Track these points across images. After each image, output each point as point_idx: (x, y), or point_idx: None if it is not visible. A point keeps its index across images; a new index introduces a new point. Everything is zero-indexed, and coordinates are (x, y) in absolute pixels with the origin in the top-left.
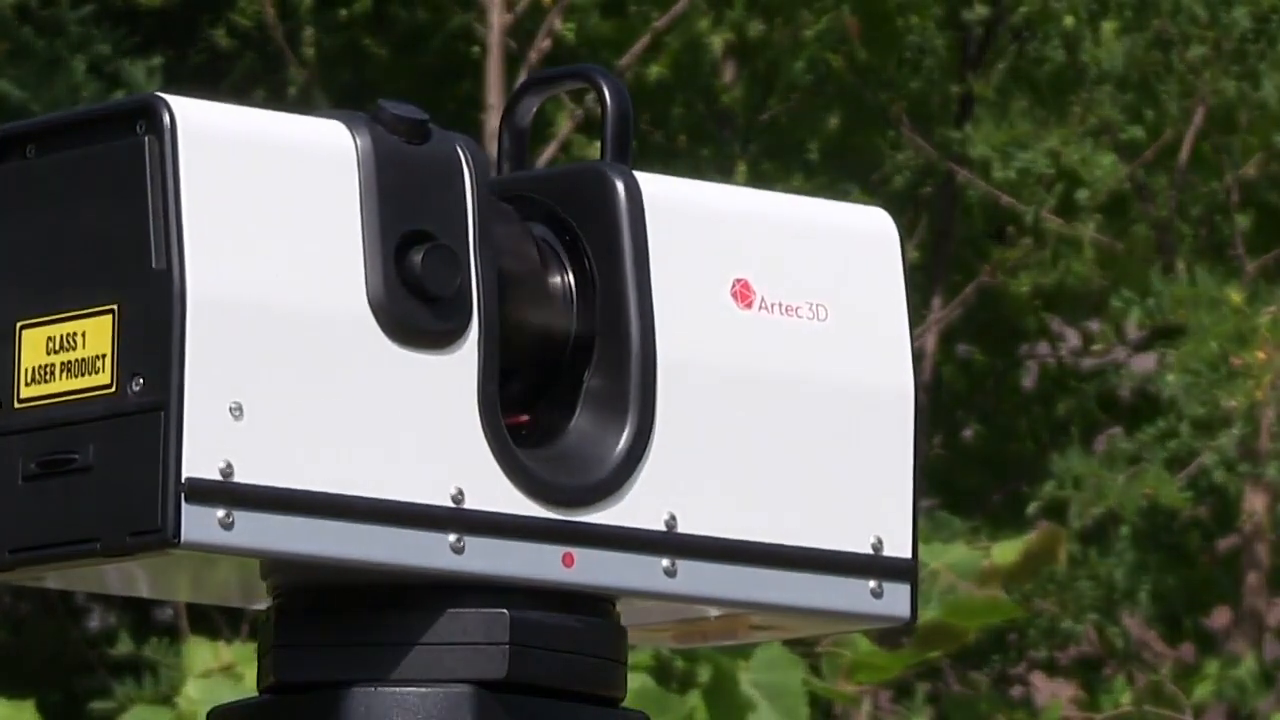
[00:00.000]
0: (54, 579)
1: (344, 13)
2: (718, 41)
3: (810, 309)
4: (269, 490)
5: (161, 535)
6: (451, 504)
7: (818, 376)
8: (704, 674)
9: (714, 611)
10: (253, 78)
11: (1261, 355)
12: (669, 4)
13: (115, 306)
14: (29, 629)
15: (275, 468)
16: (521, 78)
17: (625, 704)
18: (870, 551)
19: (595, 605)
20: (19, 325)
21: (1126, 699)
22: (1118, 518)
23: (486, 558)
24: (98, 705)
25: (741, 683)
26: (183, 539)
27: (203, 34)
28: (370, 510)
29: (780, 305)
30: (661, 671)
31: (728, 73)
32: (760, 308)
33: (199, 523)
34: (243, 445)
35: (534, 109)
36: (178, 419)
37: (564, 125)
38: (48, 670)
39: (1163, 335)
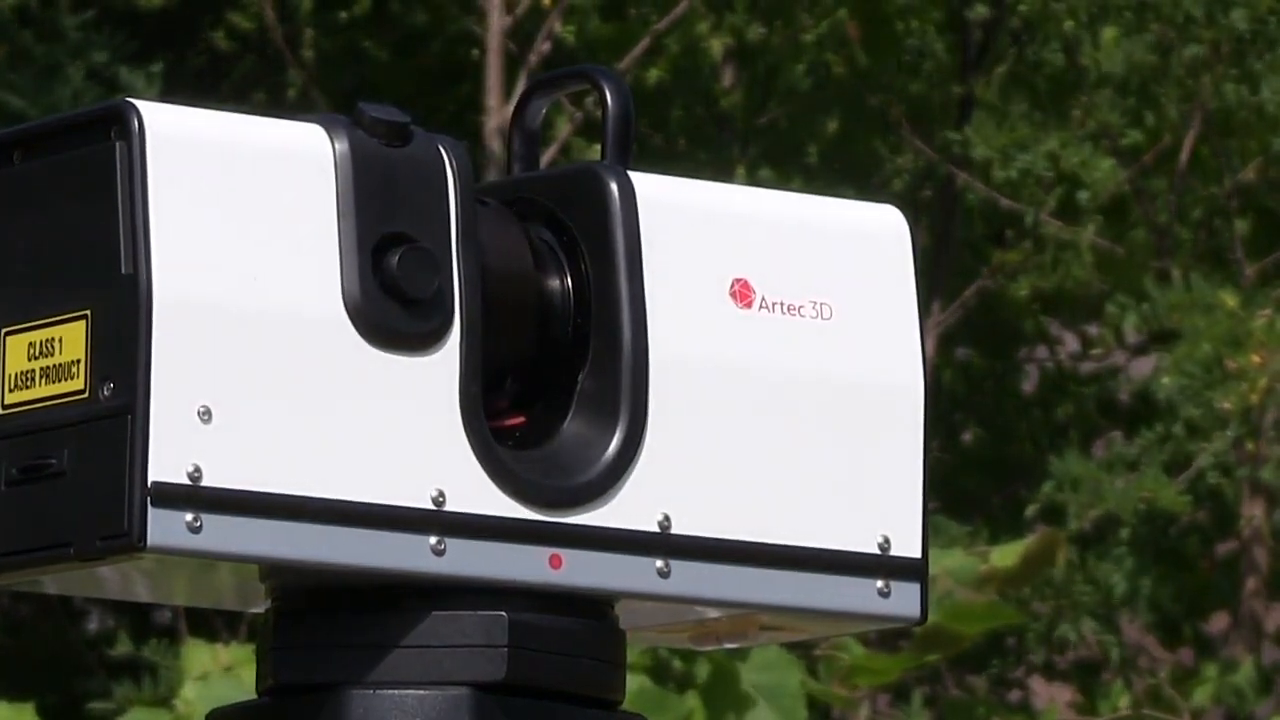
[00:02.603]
0: (51, 584)
1: (344, 15)
2: (717, 45)
3: (814, 308)
4: (239, 494)
5: (128, 539)
6: (432, 506)
7: (821, 375)
8: (702, 674)
9: (713, 613)
10: (252, 80)
11: (1256, 359)
12: (669, 7)
13: (88, 312)
14: (28, 630)
15: (246, 471)
16: (521, 80)
17: (623, 706)
18: (877, 551)
19: (594, 608)
20: (3, 332)
21: (1125, 703)
22: (1116, 521)
23: (468, 560)
24: (97, 706)
25: (740, 682)
26: (149, 543)
27: (202, 36)
28: (345, 513)
29: (782, 304)
30: (659, 672)
31: (727, 76)
32: (760, 307)
33: (165, 526)
34: (212, 449)
35: (543, 110)
36: (144, 423)
37: (564, 129)
38: (47, 672)
39: (1159, 339)
